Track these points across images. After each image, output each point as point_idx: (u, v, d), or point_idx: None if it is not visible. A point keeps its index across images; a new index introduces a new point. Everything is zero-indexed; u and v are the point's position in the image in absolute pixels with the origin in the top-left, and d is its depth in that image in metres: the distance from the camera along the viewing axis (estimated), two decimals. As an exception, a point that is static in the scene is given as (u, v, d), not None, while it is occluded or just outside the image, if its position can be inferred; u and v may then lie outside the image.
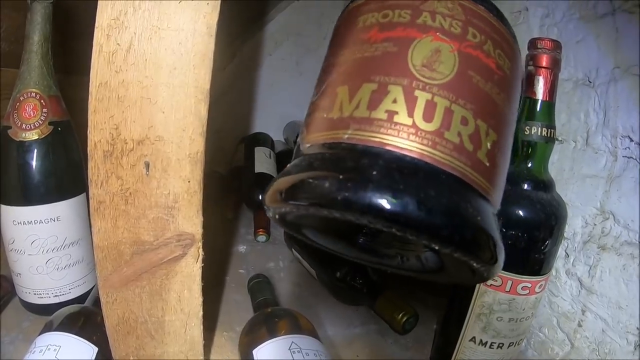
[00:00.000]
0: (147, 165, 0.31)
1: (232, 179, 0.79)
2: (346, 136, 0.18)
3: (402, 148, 0.17)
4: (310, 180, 0.17)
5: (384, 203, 0.15)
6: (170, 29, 0.29)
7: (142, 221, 0.32)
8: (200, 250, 0.33)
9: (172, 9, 0.29)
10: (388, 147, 0.17)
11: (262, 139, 0.86)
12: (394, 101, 0.18)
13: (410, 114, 0.18)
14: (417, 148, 0.17)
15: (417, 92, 0.18)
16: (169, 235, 0.32)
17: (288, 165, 0.20)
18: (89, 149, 0.30)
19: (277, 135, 0.97)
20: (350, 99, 0.19)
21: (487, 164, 0.19)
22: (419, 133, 0.18)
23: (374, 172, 0.16)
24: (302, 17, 0.93)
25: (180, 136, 0.31)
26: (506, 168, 0.21)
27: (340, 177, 0.16)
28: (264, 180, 0.72)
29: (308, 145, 0.20)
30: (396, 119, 0.18)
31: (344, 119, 0.18)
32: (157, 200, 0.32)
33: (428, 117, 0.18)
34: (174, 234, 0.32)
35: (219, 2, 0.30)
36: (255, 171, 0.73)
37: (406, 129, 0.18)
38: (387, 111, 0.18)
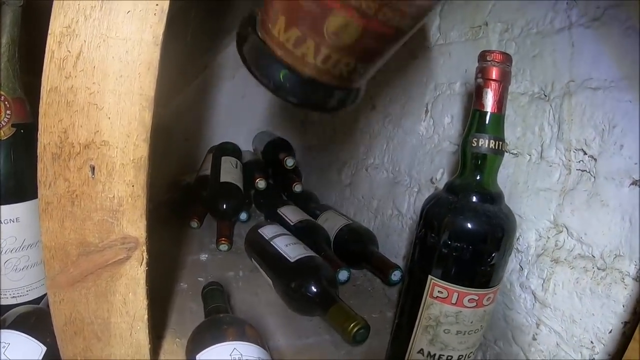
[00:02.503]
0: (93, 168, 0.32)
1: (199, 188, 0.80)
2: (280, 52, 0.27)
3: None
4: None
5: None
6: (118, 38, 0.30)
7: (88, 223, 0.33)
8: (145, 254, 0.34)
9: (120, 19, 0.30)
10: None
11: (230, 149, 0.87)
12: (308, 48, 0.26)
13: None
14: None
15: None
16: (113, 237, 0.33)
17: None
18: (38, 151, 0.31)
19: (247, 146, 0.98)
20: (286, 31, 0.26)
21: (356, 78, 0.28)
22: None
23: None
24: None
25: (125, 142, 0.32)
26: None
27: None
28: (229, 190, 0.72)
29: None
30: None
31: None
32: (102, 203, 0.32)
33: None
34: (118, 236, 0.33)
35: (166, 13, 0.31)
36: (221, 180, 0.73)
37: None
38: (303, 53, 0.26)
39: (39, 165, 0.32)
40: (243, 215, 0.77)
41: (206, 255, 0.63)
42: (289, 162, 0.79)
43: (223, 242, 0.65)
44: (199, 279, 0.54)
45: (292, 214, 0.71)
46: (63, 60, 0.30)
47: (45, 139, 0.31)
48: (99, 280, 0.34)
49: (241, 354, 0.34)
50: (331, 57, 0.27)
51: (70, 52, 0.30)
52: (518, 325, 0.43)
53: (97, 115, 0.31)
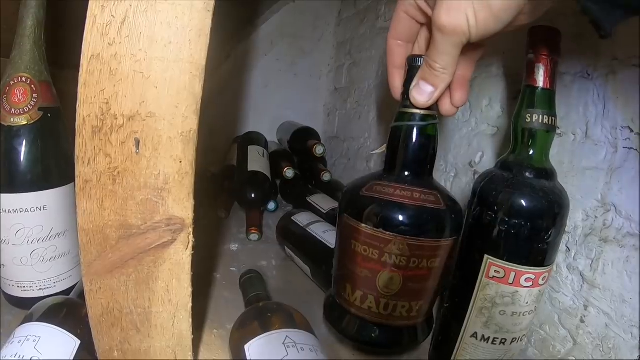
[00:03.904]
0: (137, 142, 0.29)
1: (225, 178, 0.78)
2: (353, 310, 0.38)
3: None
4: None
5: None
6: (167, 2, 0.28)
7: (130, 203, 0.30)
8: (191, 236, 0.32)
9: (169, -18, 0.28)
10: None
11: (256, 138, 0.85)
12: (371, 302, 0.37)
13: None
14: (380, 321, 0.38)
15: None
16: (158, 219, 0.31)
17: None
18: (77, 124, 0.29)
19: (271, 136, 0.97)
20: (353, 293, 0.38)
21: (415, 314, 0.38)
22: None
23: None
24: (297, 19, 0.94)
25: (173, 113, 0.29)
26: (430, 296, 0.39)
27: None
28: (257, 179, 0.71)
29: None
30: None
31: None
32: (146, 180, 0.30)
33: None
34: (163, 217, 0.31)
35: (217, -23, 0.29)
36: (249, 169, 0.71)
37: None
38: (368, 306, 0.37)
39: (77, 140, 0.29)
40: (271, 205, 0.75)
41: (237, 245, 0.61)
42: (319, 150, 0.77)
43: (253, 231, 0.63)
44: (232, 269, 0.52)
45: (323, 202, 0.69)
46: (106, 26, 0.28)
47: (85, 110, 0.29)
48: (141, 266, 0.32)
49: (294, 342, 0.32)
50: (389, 304, 0.36)
51: (114, 17, 0.28)
52: (565, 308, 0.42)
53: (142, 84, 0.29)
